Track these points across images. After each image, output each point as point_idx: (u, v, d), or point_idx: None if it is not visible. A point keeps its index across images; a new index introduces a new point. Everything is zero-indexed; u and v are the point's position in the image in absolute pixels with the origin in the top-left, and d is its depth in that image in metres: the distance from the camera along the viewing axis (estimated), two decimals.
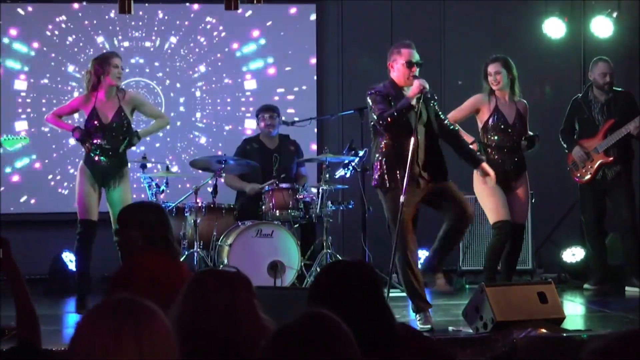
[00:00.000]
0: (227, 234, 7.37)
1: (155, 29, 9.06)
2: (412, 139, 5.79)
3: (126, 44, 9.00)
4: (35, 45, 8.90)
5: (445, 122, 6.17)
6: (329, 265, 3.12)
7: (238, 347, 2.40)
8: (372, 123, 6.03)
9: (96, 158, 6.79)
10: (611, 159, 7.74)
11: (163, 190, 7.40)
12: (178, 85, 9.10)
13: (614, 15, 8.92)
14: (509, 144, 6.91)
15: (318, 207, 7.43)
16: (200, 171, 7.93)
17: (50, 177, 8.91)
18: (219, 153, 8.13)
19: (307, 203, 7.52)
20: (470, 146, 6.45)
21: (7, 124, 8.69)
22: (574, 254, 8.64)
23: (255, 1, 6.90)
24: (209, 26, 9.12)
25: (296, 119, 8.43)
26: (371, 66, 8.86)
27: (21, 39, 8.88)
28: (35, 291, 3.54)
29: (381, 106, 5.89)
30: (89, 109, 6.80)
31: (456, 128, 6.31)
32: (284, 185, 7.64)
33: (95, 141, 6.78)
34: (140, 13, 8.87)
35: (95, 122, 6.78)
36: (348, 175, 7.46)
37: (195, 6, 9.11)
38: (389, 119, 5.82)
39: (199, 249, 7.26)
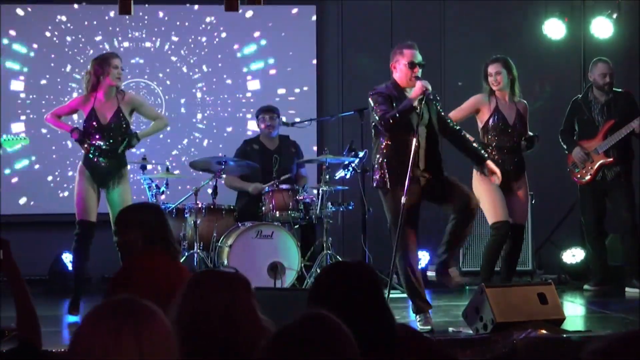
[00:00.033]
0: (227, 235, 7.37)
1: (156, 29, 9.06)
2: (414, 140, 5.79)
3: (126, 44, 9.00)
4: (35, 46, 8.90)
5: (449, 122, 6.17)
6: (329, 267, 3.13)
7: (238, 347, 2.40)
8: (373, 124, 6.03)
9: (95, 159, 6.79)
10: (611, 159, 7.74)
11: (163, 192, 7.40)
12: (179, 86, 9.11)
13: (614, 16, 8.91)
14: (509, 144, 6.91)
15: (318, 208, 7.43)
16: (200, 172, 7.94)
17: (50, 178, 8.91)
18: (220, 154, 8.12)
19: (307, 204, 7.51)
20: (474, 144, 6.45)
21: (6, 124, 8.70)
22: (574, 255, 8.64)
23: (255, 2, 6.89)
24: (209, 27, 9.12)
25: (297, 119, 8.43)
26: (371, 66, 8.86)
27: (20, 40, 8.88)
28: (35, 292, 3.53)
29: (383, 107, 5.89)
30: (88, 109, 6.79)
31: (458, 127, 6.31)
32: (284, 186, 7.64)
33: (93, 142, 6.78)
34: (141, 14, 8.87)
35: (94, 123, 6.77)
36: (348, 176, 7.46)
37: (196, 7, 9.12)
38: (390, 120, 5.82)
39: (199, 250, 7.27)
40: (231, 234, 7.33)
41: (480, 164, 6.33)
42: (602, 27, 8.96)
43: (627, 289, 7.82)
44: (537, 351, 4.97)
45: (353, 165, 7.36)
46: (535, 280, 8.08)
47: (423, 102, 5.86)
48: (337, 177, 7.51)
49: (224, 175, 7.87)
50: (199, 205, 7.48)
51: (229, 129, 9.14)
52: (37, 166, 8.88)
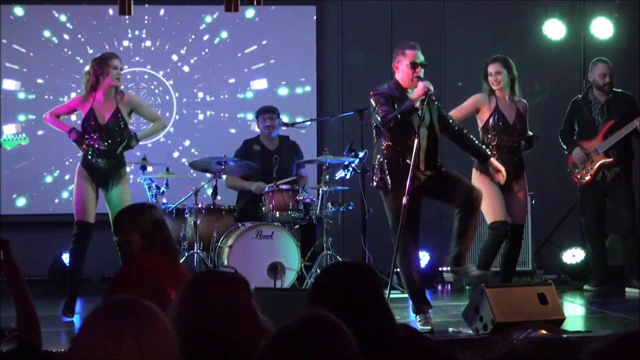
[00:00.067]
0: (227, 235, 7.37)
1: (156, 30, 9.05)
2: (415, 141, 5.78)
3: (126, 44, 8.99)
4: (34, 46, 8.89)
5: (450, 121, 6.17)
6: (329, 267, 3.13)
7: (238, 348, 2.40)
8: (374, 124, 6.03)
9: (93, 160, 6.79)
10: (611, 160, 7.74)
11: (163, 192, 7.40)
12: (179, 86, 9.10)
13: (616, 16, 8.92)
14: (509, 144, 6.91)
15: (318, 209, 7.43)
16: (200, 172, 7.94)
17: (50, 179, 8.91)
18: (223, 155, 8.11)
19: (307, 204, 7.51)
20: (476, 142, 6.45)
21: (5, 125, 8.70)
22: (574, 255, 8.64)
23: (255, 2, 6.89)
24: (209, 27, 9.12)
25: (299, 119, 8.43)
26: (371, 66, 8.86)
27: (19, 40, 8.88)
28: (35, 292, 3.53)
29: (385, 108, 5.89)
30: (87, 109, 6.80)
31: (461, 126, 6.30)
32: (284, 186, 7.64)
33: (92, 143, 6.78)
34: (141, 14, 8.86)
35: (92, 123, 6.78)
36: (348, 176, 7.46)
37: (196, 7, 9.11)
38: (392, 122, 5.82)
39: (199, 251, 7.27)
40: (231, 234, 7.33)
41: (484, 162, 6.33)
42: (602, 28, 8.97)
43: (627, 289, 7.82)
44: (537, 351, 4.97)
45: (353, 165, 7.36)
46: (535, 280, 8.08)
47: (425, 103, 5.86)
48: (337, 178, 7.51)
49: (224, 176, 7.87)
50: (199, 206, 7.48)
51: (229, 129, 9.13)
52: (37, 166, 8.88)
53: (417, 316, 5.92)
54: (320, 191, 7.44)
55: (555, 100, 8.72)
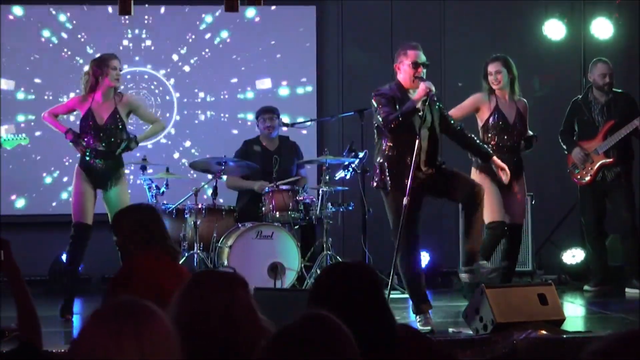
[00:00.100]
0: (227, 235, 7.37)
1: (157, 30, 9.05)
2: (416, 142, 5.78)
3: (126, 44, 8.99)
4: (33, 46, 8.89)
5: (451, 122, 6.16)
6: (329, 267, 3.14)
7: (238, 347, 2.40)
8: (376, 124, 6.03)
9: (91, 161, 6.79)
10: (611, 160, 7.74)
11: (163, 192, 7.41)
12: (180, 86, 9.10)
13: (616, 15, 8.92)
14: (509, 143, 6.91)
15: (318, 209, 7.43)
16: (201, 173, 7.94)
17: (49, 179, 8.91)
18: (223, 155, 8.12)
19: (307, 205, 7.51)
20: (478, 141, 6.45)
21: (4, 125, 8.70)
22: (574, 256, 8.64)
23: (255, 2, 6.89)
24: (210, 27, 9.12)
25: (301, 119, 8.43)
26: (371, 66, 8.87)
27: (18, 40, 8.87)
28: (35, 292, 3.53)
29: (386, 109, 5.88)
30: (85, 109, 6.80)
31: (462, 126, 6.29)
32: (284, 187, 7.65)
33: (90, 144, 6.77)
34: (141, 14, 8.86)
35: (90, 123, 6.78)
36: (348, 176, 7.46)
37: (196, 7, 9.11)
38: (393, 123, 5.81)
39: (199, 251, 7.27)
40: (231, 234, 7.33)
41: (486, 161, 6.33)
42: (602, 28, 8.96)
43: (627, 289, 7.82)
44: (537, 352, 4.97)
45: (353, 165, 7.36)
46: (535, 280, 8.08)
47: (426, 103, 5.86)
48: (337, 178, 7.52)
49: (224, 177, 7.88)
50: (199, 206, 7.48)
51: (229, 129, 9.13)
52: (37, 167, 8.88)
53: (417, 316, 5.92)
54: (320, 191, 7.44)
55: (555, 100, 8.72)
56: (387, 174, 5.90)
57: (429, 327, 5.80)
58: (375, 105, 5.96)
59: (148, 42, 9.05)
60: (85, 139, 6.78)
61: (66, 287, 6.78)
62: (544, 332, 5.26)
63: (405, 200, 5.71)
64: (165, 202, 7.54)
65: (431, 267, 8.40)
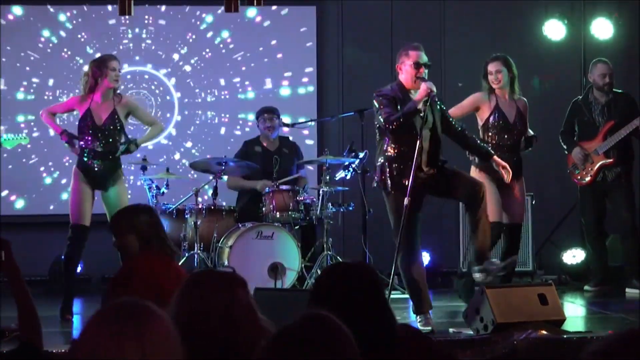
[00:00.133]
0: (227, 235, 7.37)
1: (157, 30, 9.05)
2: (417, 143, 5.77)
3: (126, 44, 8.99)
4: (33, 46, 8.89)
5: (452, 122, 6.16)
6: (330, 267, 3.14)
7: (238, 347, 2.40)
8: (377, 125, 6.03)
9: (89, 162, 6.78)
10: (611, 160, 7.74)
11: (163, 192, 7.40)
12: (180, 86, 9.10)
13: (615, 15, 8.92)
14: (510, 142, 6.90)
15: (318, 209, 7.42)
16: (201, 173, 7.94)
17: (49, 180, 8.91)
18: (224, 155, 8.12)
19: (307, 205, 7.51)
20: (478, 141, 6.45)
21: (4, 125, 8.71)
22: (574, 256, 8.64)
23: (255, 3, 6.89)
24: (209, 28, 9.12)
25: (302, 119, 8.42)
26: (371, 67, 8.87)
27: (18, 40, 8.87)
28: (35, 293, 3.53)
29: (387, 110, 5.88)
30: (84, 109, 6.80)
31: (463, 126, 6.29)
32: (284, 187, 7.65)
33: (88, 144, 6.77)
34: (141, 14, 8.85)
35: (89, 123, 6.78)
36: (348, 177, 7.46)
37: (197, 7, 9.11)
38: (395, 123, 5.81)
39: (199, 251, 7.27)
40: (231, 234, 7.33)
41: (487, 160, 6.33)
42: (602, 28, 8.97)
43: (627, 289, 7.82)
44: (538, 352, 4.96)
45: (353, 166, 7.36)
46: (535, 280, 8.08)
47: (427, 104, 5.85)
48: (337, 178, 7.51)
49: (225, 177, 7.87)
50: (200, 206, 7.47)
51: (229, 130, 9.13)
52: (37, 167, 8.88)
53: (418, 317, 5.92)
54: (321, 192, 7.43)
55: (555, 101, 8.72)
56: (388, 174, 5.90)
57: (429, 327, 5.79)
58: (377, 105, 5.96)
59: (148, 42, 9.05)
60: (83, 140, 6.78)
61: (65, 287, 6.78)
62: (544, 332, 5.25)
63: (406, 201, 5.71)
64: (165, 202, 7.53)
65: (431, 267, 8.39)
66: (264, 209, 7.62)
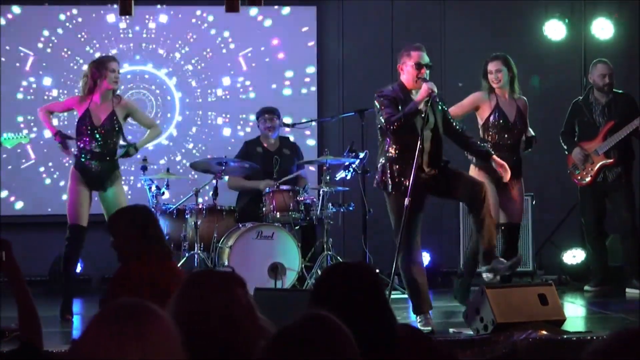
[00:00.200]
0: (227, 235, 7.37)
1: (157, 29, 9.05)
2: (418, 144, 5.77)
3: (126, 43, 8.99)
4: (33, 46, 8.89)
5: (453, 123, 6.16)
6: (330, 268, 3.14)
7: (237, 347, 2.40)
8: (379, 125, 6.03)
9: (87, 162, 6.79)
10: (611, 160, 7.74)
11: (164, 192, 7.41)
12: (180, 86, 9.10)
13: (615, 15, 8.92)
14: (510, 142, 6.91)
15: (318, 209, 7.43)
16: (201, 173, 7.94)
17: (49, 180, 8.91)
18: (224, 156, 8.12)
19: (307, 205, 7.51)
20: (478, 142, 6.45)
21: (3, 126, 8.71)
22: (574, 256, 8.64)
23: (256, 3, 6.89)
24: (210, 28, 9.12)
25: (303, 119, 8.43)
26: (371, 67, 8.86)
27: (18, 40, 8.87)
28: (36, 293, 3.53)
29: (388, 110, 5.88)
30: (83, 110, 6.81)
31: (463, 127, 6.29)
32: (284, 187, 7.65)
33: (86, 144, 6.78)
34: (141, 14, 8.85)
35: (87, 123, 6.79)
36: (348, 177, 7.47)
37: (197, 7, 9.11)
38: (396, 124, 5.81)
39: (199, 251, 7.27)
40: (232, 234, 7.33)
41: (486, 160, 6.33)
42: (603, 28, 8.97)
43: (627, 289, 7.82)
44: (538, 352, 4.97)
45: (353, 166, 7.36)
46: (535, 281, 8.08)
47: (429, 104, 5.85)
48: (337, 178, 7.52)
49: (225, 177, 7.87)
50: (200, 206, 7.48)
51: (229, 130, 9.13)
52: (37, 167, 8.88)
53: (418, 317, 5.92)
54: (321, 192, 7.43)
55: (555, 101, 8.72)
56: (389, 174, 5.91)
57: (429, 328, 5.80)
58: (378, 106, 5.96)
59: (149, 42, 9.05)
60: (81, 141, 6.79)
61: (64, 287, 6.78)
62: (544, 332, 5.25)
63: (406, 201, 5.71)
64: (165, 202, 7.53)
65: (431, 267, 8.39)
66: (264, 209, 7.62)
